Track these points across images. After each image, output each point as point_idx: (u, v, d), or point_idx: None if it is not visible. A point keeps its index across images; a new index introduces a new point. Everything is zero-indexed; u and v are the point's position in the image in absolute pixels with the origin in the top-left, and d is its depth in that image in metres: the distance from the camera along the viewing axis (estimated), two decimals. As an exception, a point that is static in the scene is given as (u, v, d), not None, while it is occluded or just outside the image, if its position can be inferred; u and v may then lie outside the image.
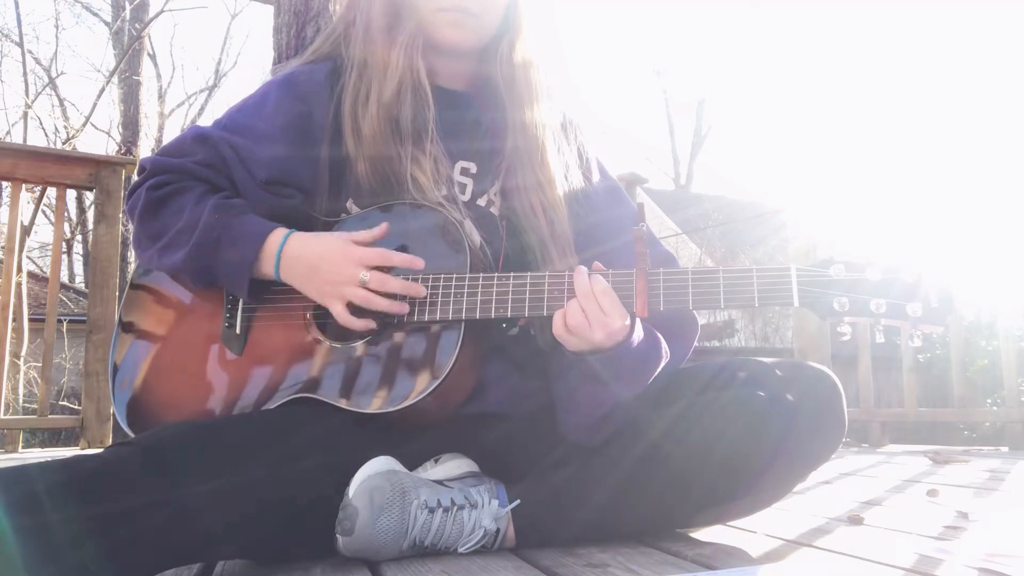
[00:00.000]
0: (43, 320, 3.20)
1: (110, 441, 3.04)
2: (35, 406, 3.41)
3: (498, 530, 1.04)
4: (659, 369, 1.09)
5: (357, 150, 1.17)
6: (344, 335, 1.12)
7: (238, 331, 1.15)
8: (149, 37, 15.48)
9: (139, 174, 1.22)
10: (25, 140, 14.14)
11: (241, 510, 0.94)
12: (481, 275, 1.08)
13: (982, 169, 3.96)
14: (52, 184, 3.28)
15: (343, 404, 1.08)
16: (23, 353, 4.56)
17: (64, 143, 14.50)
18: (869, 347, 3.48)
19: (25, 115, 14.58)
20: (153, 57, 16.44)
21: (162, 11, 14.98)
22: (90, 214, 6.54)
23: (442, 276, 1.09)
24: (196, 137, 1.20)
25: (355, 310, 1.08)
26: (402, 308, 1.08)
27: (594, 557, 1.01)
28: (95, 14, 15.92)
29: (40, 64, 15.26)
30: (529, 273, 1.08)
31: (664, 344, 1.10)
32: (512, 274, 1.08)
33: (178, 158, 1.19)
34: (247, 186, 1.18)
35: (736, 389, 1.09)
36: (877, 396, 3.54)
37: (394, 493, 0.99)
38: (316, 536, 1.01)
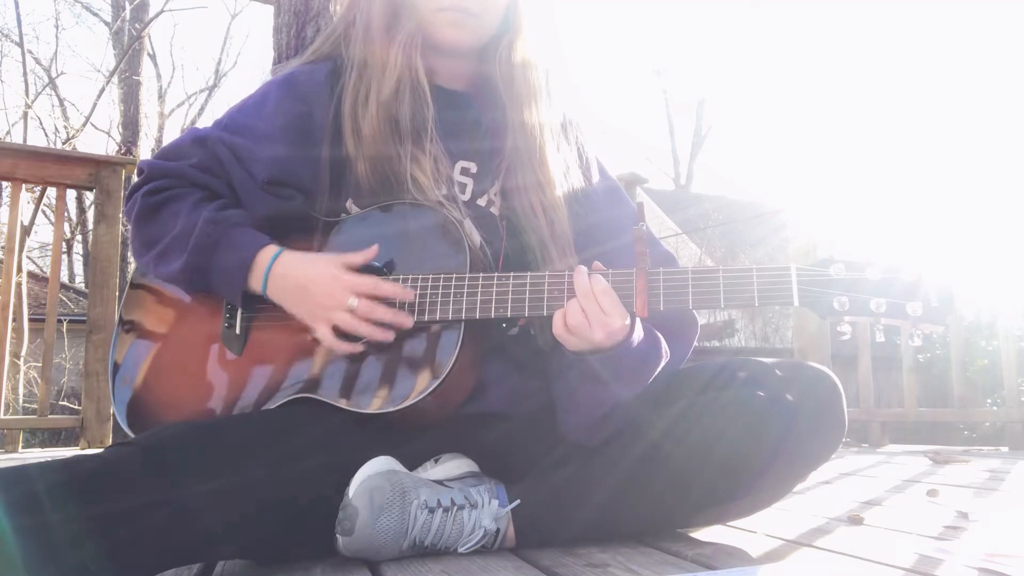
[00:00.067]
0: (43, 320, 3.20)
1: (110, 441, 3.04)
2: (35, 406, 3.42)
3: (498, 530, 1.04)
4: (659, 369, 1.09)
5: (357, 150, 1.17)
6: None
7: (238, 331, 1.15)
8: (149, 37, 15.49)
9: (138, 175, 1.22)
10: (25, 140, 14.14)
11: (241, 510, 0.94)
12: (481, 275, 1.08)
13: (982, 169, 3.96)
14: (52, 184, 3.28)
15: (343, 404, 1.08)
16: (23, 353, 4.56)
17: (64, 143, 14.50)
18: (869, 347, 3.48)
19: (25, 115, 14.59)
20: (153, 57, 16.46)
21: (162, 11, 15.00)
22: (90, 214, 6.54)
23: (442, 276, 1.09)
24: (195, 140, 1.20)
25: (341, 333, 1.08)
26: (386, 336, 1.07)
27: (594, 557, 1.01)
28: (95, 14, 15.95)
29: (40, 64, 15.28)
30: (529, 273, 1.08)
31: (664, 344, 1.10)
32: (512, 274, 1.08)
33: (175, 161, 1.19)
34: (246, 187, 1.18)
35: (736, 389, 1.09)
36: (877, 396, 3.54)
37: (394, 493, 0.99)
38: (316, 536, 1.01)
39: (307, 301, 1.09)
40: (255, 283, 1.11)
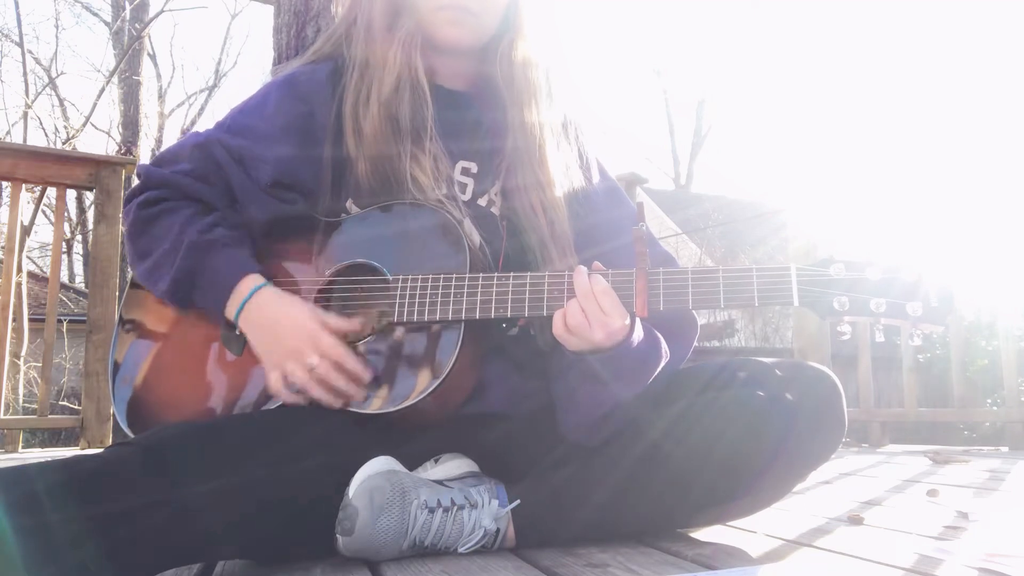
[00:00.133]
0: (43, 320, 3.20)
1: (110, 441, 3.04)
2: (35, 406, 3.42)
3: (498, 530, 1.04)
4: (659, 369, 1.09)
5: (358, 150, 1.17)
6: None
7: (238, 332, 1.15)
8: (149, 37, 15.49)
9: (137, 178, 1.22)
10: (25, 140, 14.15)
11: (241, 510, 0.94)
12: (481, 275, 1.08)
13: (982, 169, 3.96)
14: (52, 184, 3.28)
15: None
16: (23, 353, 4.56)
17: (64, 143, 14.50)
18: (869, 347, 3.48)
19: (25, 115, 14.59)
20: (153, 57, 16.46)
21: (162, 11, 15.01)
22: (90, 214, 6.54)
23: (442, 276, 1.09)
24: (195, 144, 1.20)
25: (289, 384, 1.08)
26: (332, 403, 1.07)
27: (594, 557, 1.01)
28: (95, 14, 15.95)
29: (40, 64, 15.28)
30: (529, 273, 1.08)
31: (664, 344, 1.10)
32: (512, 274, 1.08)
33: (173, 166, 1.19)
34: (246, 189, 1.18)
35: (736, 389, 1.09)
36: (877, 396, 3.54)
37: (394, 493, 0.99)
38: (316, 536, 1.01)
39: (271, 341, 1.09)
40: (230, 311, 1.11)
